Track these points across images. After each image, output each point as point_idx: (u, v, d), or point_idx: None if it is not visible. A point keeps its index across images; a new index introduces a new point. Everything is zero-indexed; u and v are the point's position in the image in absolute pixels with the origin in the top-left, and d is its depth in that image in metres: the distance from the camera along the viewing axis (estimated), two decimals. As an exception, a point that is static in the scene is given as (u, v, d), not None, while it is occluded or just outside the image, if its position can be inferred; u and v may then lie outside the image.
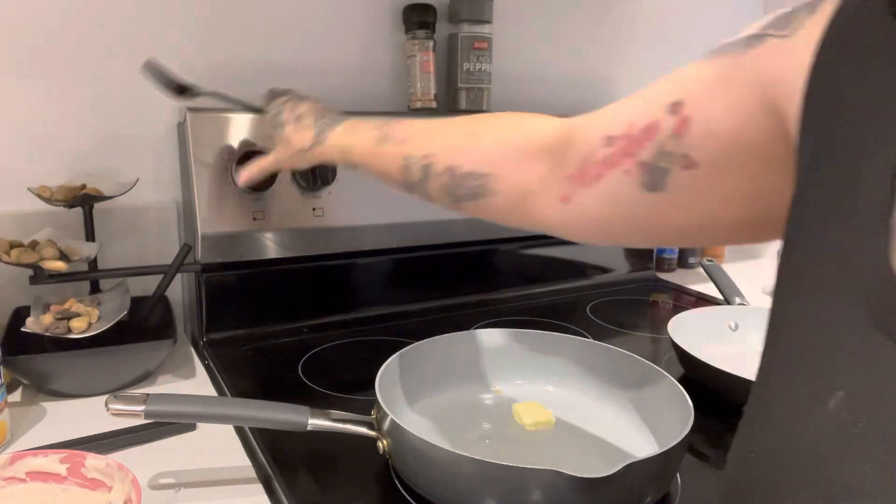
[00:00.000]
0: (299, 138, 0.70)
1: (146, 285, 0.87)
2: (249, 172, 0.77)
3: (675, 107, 0.40)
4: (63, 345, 0.71)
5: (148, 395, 0.54)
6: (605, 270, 1.20)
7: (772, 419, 0.30)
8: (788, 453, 0.26)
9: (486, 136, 0.56)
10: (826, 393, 0.25)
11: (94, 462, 0.52)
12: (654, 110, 0.41)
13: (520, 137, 0.54)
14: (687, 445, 0.55)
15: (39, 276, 0.74)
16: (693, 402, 0.59)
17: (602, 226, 0.47)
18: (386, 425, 0.55)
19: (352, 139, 0.65)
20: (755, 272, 1.38)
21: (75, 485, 0.52)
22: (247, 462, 0.61)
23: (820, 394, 0.26)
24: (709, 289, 1.15)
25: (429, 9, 1.00)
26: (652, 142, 0.41)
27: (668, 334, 0.79)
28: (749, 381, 0.68)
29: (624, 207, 0.44)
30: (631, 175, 0.42)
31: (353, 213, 0.91)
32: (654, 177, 0.41)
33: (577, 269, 1.17)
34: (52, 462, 0.52)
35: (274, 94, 0.76)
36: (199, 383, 0.78)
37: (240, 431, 0.66)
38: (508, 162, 0.54)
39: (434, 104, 1.02)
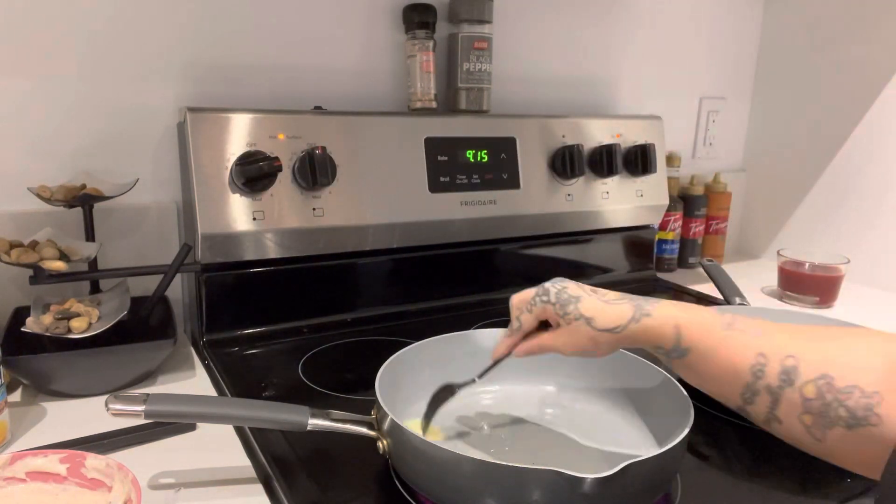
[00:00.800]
0: (616, 311, 0.56)
1: (146, 285, 0.87)
2: (528, 347, 0.62)
3: None
4: (63, 345, 0.71)
5: (148, 395, 0.54)
6: (605, 270, 1.20)
7: None
8: None
9: (862, 346, 0.46)
10: None
11: (94, 462, 0.52)
12: None
13: (892, 355, 0.45)
14: (687, 445, 0.55)
15: (39, 276, 0.74)
16: (693, 402, 0.59)
17: None
18: (386, 425, 0.55)
19: (688, 314, 0.53)
20: (755, 272, 1.38)
21: (75, 485, 0.52)
22: (247, 462, 0.61)
23: None
24: (709, 289, 1.15)
25: (429, 9, 1.00)
26: None
27: (668, 334, 0.79)
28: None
29: None
30: None
31: (353, 213, 0.91)
32: None
33: (577, 269, 1.17)
34: (52, 462, 0.52)
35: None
36: (199, 383, 0.78)
37: (240, 431, 0.66)
38: (891, 384, 0.43)
39: (434, 104, 1.02)
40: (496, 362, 0.63)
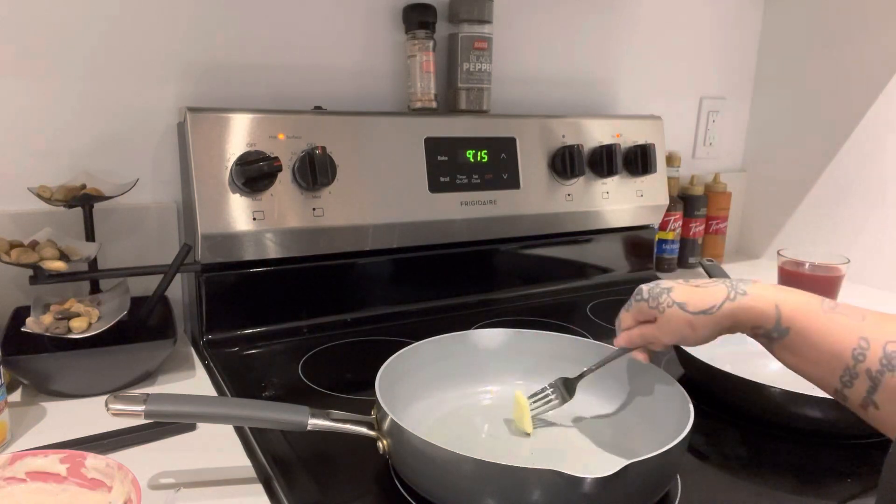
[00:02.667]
0: (710, 293, 0.57)
1: (146, 285, 0.87)
2: (629, 336, 0.64)
3: None
4: (63, 345, 0.71)
5: (148, 395, 0.54)
6: (605, 270, 1.20)
7: None
8: None
9: None
10: None
11: (94, 462, 0.52)
12: None
13: None
14: (687, 445, 0.55)
15: (39, 276, 0.74)
16: (693, 402, 0.59)
17: None
18: (386, 425, 0.55)
19: (787, 295, 0.53)
20: (755, 272, 1.38)
21: (75, 485, 0.52)
22: (247, 462, 0.61)
23: None
24: (709, 289, 1.15)
25: (429, 9, 1.00)
26: None
27: (668, 334, 0.79)
28: (748, 381, 0.68)
29: None
30: None
31: (353, 213, 0.91)
32: None
33: (577, 269, 1.17)
34: (53, 462, 0.52)
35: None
36: (199, 383, 0.78)
37: (240, 431, 0.66)
38: None
39: (434, 104, 1.02)
40: (607, 359, 0.67)
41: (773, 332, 0.53)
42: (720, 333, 0.57)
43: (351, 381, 0.78)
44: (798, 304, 0.52)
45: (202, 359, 0.84)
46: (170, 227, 0.93)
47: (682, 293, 0.58)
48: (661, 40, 1.33)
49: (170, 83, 0.90)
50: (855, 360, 0.47)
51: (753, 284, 0.55)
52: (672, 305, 0.59)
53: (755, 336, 0.55)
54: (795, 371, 0.53)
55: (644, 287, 0.62)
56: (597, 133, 1.11)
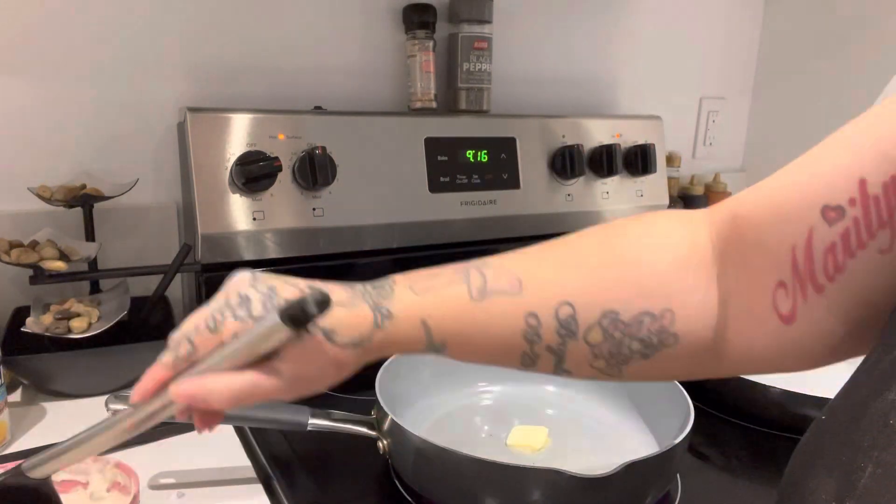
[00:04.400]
0: (355, 314, 0.40)
1: (146, 285, 0.87)
2: (231, 393, 0.39)
3: None
4: (63, 345, 0.71)
5: (148, 395, 0.54)
6: (605, 270, 1.20)
7: (850, 398, 0.29)
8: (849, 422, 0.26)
9: (635, 252, 0.40)
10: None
11: None
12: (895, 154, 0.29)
13: (680, 247, 0.40)
14: (687, 445, 0.55)
15: (39, 276, 0.74)
16: (693, 402, 0.59)
17: (846, 332, 0.34)
18: (386, 425, 0.55)
19: (429, 300, 0.41)
20: (755, 272, 1.38)
21: None
22: (247, 462, 0.61)
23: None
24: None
25: (429, 9, 1.00)
26: None
27: (668, 334, 0.79)
28: (748, 381, 0.68)
29: (880, 298, 0.31)
30: (892, 252, 0.30)
31: (353, 213, 0.91)
32: None
33: (577, 269, 1.16)
34: None
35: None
36: (199, 383, 0.78)
37: (240, 431, 0.66)
38: (685, 286, 0.39)
39: (434, 104, 1.02)
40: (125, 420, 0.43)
41: (429, 351, 0.42)
42: (359, 368, 0.43)
43: (351, 381, 0.78)
44: (445, 309, 0.41)
45: (202, 359, 0.84)
46: (170, 227, 0.93)
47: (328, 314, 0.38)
48: (660, 40, 1.33)
49: (170, 83, 0.90)
50: (529, 343, 0.40)
51: (394, 298, 0.41)
52: (315, 332, 0.39)
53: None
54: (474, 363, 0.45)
55: (252, 294, 0.40)
56: (597, 133, 1.11)
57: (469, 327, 0.41)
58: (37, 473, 0.43)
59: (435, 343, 0.42)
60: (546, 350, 0.40)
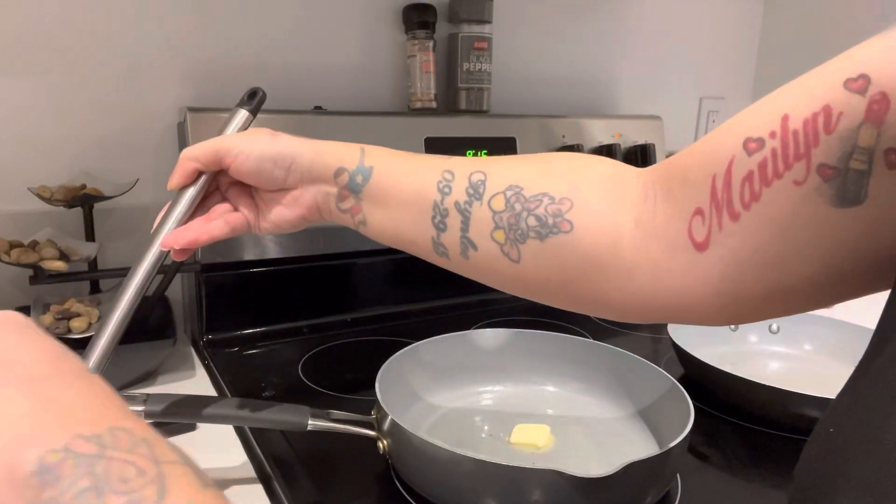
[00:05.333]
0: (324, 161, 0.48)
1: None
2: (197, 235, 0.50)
3: (859, 83, 0.28)
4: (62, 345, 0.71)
5: (148, 395, 0.54)
6: (605, 270, 1.20)
7: (862, 409, 0.28)
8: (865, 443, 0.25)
9: (557, 161, 0.44)
10: None
11: None
12: (821, 94, 0.30)
13: (604, 168, 0.42)
14: (687, 445, 0.55)
15: (39, 276, 0.74)
16: (693, 402, 0.59)
17: (759, 270, 0.33)
18: (386, 425, 0.55)
19: (371, 152, 0.48)
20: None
21: None
22: (247, 462, 0.61)
23: None
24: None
25: (429, 9, 1.00)
26: (830, 135, 0.29)
27: (668, 334, 0.79)
28: (748, 381, 0.68)
29: (795, 234, 0.31)
30: (806, 185, 0.30)
31: (353, 213, 0.91)
32: (844, 184, 0.29)
33: (577, 269, 1.16)
34: None
35: None
36: (199, 383, 0.78)
37: (240, 431, 0.66)
38: (593, 190, 0.40)
39: (434, 104, 1.02)
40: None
41: (356, 175, 0.46)
42: (299, 185, 0.48)
43: (351, 381, 0.78)
44: (382, 149, 0.48)
45: (202, 359, 0.84)
46: (170, 227, 0.93)
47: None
48: (661, 40, 1.33)
49: (170, 83, 0.90)
50: (441, 193, 0.43)
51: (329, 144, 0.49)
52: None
53: (340, 195, 0.47)
54: (388, 235, 0.48)
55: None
56: (597, 133, 1.11)
57: (397, 161, 0.47)
58: (97, 369, 0.46)
59: (365, 165, 0.46)
60: (454, 207, 0.43)
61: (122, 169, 0.89)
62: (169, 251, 0.49)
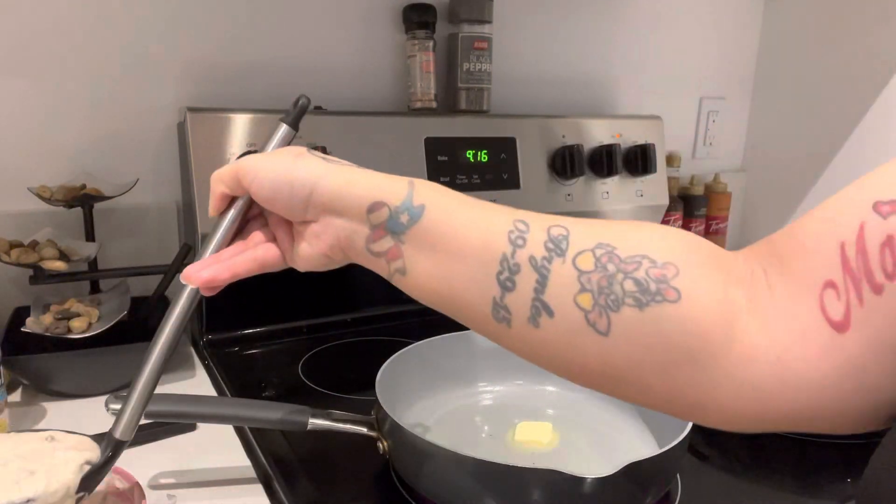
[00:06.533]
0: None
1: (146, 285, 0.87)
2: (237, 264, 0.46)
3: None
4: (63, 345, 0.71)
5: (148, 395, 0.54)
6: (605, 270, 1.20)
7: None
8: None
9: (646, 224, 0.36)
10: None
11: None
12: None
13: (702, 241, 0.35)
14: (687, 445, 0.55)
15: (39, 276, 0.74)
16: (693, 402, 0.59)
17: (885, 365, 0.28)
18: (386, 425, 0.55)
19: (422, 188, 0.39)
20: (755, 272, 1.38)
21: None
22: (247, 462, 0.61)
23: None
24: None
25: (429, 9, 1.00)
26: None
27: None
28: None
29: None
30: None
31: (353, 213, 0.91)
32: None
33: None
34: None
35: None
36: (199, 383, 0.78)
37: (240, 431, 0.66)
38: (697, 257, 0.34)
39: (434, 104, 1.02)
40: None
41: (400, 214, 0.38)
42: (321, 217, 0.42)
43: (351, 381, 0.78)
44: (433, 185, 0.40)
45: (202, 359, 0.84)
46: (170, 227, 0.93)
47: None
48: (660, 40, 1.33)
49: (170, 83, 0.90)
50: (513, 245, 0.35)
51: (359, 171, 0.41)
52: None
53: (373, 235, 0.40)
54: (434, 289, 0.39)
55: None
56: (597, 133, 1.11)
57: (453, 203, 0.38)
58: (128, 433, 0.44)
59: (413, 204, 0.38)
60: (528, 262, 0.35)
61: (122, 169, 0.89)
62: (199, 294, 0.45)
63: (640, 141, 1.15)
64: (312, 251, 0.44)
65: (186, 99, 0.91)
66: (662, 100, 1.36)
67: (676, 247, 0.34)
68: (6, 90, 0.82)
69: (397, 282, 0.41)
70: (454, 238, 0.37)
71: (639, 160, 1.13)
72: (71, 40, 0.84)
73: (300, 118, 0.47)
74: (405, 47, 1.03)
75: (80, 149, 0.87)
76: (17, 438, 0.45)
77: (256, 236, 0.45)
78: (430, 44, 1.00)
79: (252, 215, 0.46)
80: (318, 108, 0.94)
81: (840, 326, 0.29)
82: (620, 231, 0.35)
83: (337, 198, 0.40)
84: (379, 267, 0.42)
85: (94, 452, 0.44)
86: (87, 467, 0.43)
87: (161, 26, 0.88)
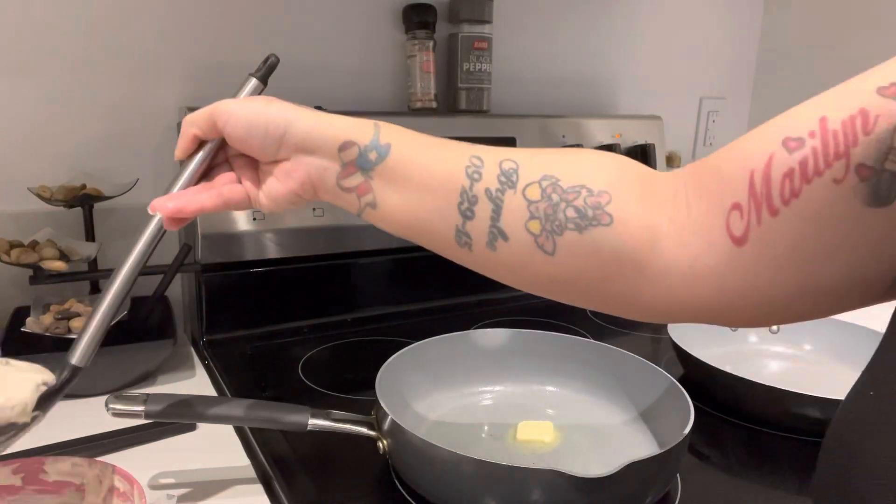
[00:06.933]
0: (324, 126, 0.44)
1: (146, 285, 0.87)
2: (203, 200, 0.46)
3: (891, 90, 0.31)
4: (63, 345, 0.71)
5: (148, 395, 0.54)
6: (605, 270, 1.20)
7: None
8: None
9: (586, 155, 0.42)
10: None
11: (55, 466, 0.49)
12: (857, 99, 0.32)
13: (632, 166, 0.41)
14: (687, 445, 0.55)
15: (39, 276, 0.74)
16: (693, 402, 0.59)
17: (795, 266, 0.33)
18: (386, 425, 0.55)
19: (387, 129, 0.44)
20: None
21: (33, 492, 0.49)
22: (247, 462, 0.61)
23: None
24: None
25: (429, 9, 1.00)
26: (868, 136, 0.30)
27: (668, 334, 0.79)
28: (748, 381, 0.68)
29: (829, 232, 0.32)
30: (844, 183, 0.31)
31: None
32: (878, 184, 0.30)
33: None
34: (4, 476, 0.49)
35: None
36: (199, 383, 0.78)
37: (240, 431, 0.66)
38: (629, 186, 0.39)
39: (434, 104, 1.02)
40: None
41: (369, 152, 0.42)
42: (292, 155, 0.44)
43: (351, 381, 0.78)
44: (397, 127, 0.44)
45: (202, 359, 0.84)
46: (170, 227, 0.93)
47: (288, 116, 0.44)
48: (661, 40, 1.33)
49: (170, 83, 0.90)
50: (470, 179, 0.40)
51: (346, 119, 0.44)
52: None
53: (344, 172, 0.43)
54: (401, 220, 0.43)
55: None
56: (597, 133, 1.11)
57: (416, 141, 0.43)
58: (85, 360, 0.45)
59: (381, 143, 0.42)
60: (485, 194, 0.40)
61: (122, 169, 0.89)
62: (164, 227, 0.46)
63: (640, 141, 1.15)
64: (282, 188, 0.45)
65: (186, 99, 0.91)
66: (662, 100, 1.36)
67: (612, 174, 0.40)
68: (6, 90, 0.82)
69: (368, 215, 0.44)
70: (418, 173, 0.42)
71: (639, 160, 1.12)
72: (71, 40, 0.84)
73: (269, 74, 0.51)
74: (405, 47, 1.03)
75: (80, 149, 0.87)
76: None
77: (222, 178, 0.47)
78: (430, 44, 1.00)
79: (216, 163, 0.48)
80: (318, 108, 0.94)
81: (739, 241, 0.34)
82: (563, 162, 0.40)
83: (309, 137, 0.43)
84: (349, 202, 0.45)
85: (49, 375, 0.45)
86: (44, 388, 0.43)
87: (161, 26, 0.88)
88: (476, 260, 0.42)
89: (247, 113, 0.44)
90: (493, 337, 0.74)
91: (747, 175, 0.34)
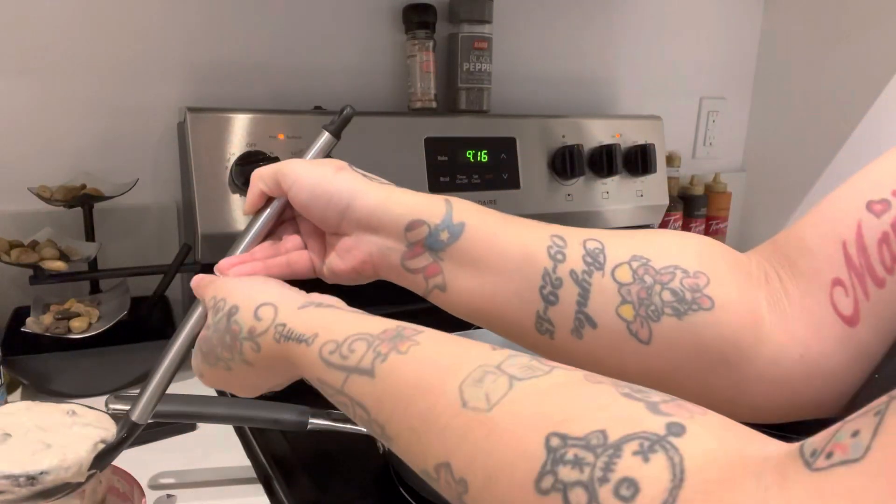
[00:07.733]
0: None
1: (146, 285, 0.87)
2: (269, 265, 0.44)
3: None
4: (63, 345, 0.71)
5: (148, 395, 0.54)
6: (605, 270, 1.20)
7: None
8: None
9: (668, 234, 0.38)
10: None
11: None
12: None
13: (717, 244, 0.37)
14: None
15: (39, 276, 0.74)
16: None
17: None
18: (386, 425, 0.55)
19: (460, 206, 0.41)
20: (755, 272, 1.38)
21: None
22: (247, 462, 0.61)
23: None
24: (709, 289, 1.15)
25: (429, 9, 1.00)
26: None
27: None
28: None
29: None
30: None
31: (353, 213, 0.91)
32: None
33: (577, 269, 1.16)
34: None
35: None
36: (199, 383, 0.77)
37: (240, 431, 0.66)
38: (724, 265, 0.36)
39: (434, 104, 1.02)
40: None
41: (440, 232, 0.39)
42: (354, 232, 0.41)
43: (351, 381, 0.78)
44: (470, 203, 0.40)
45: (202, 359, 0.84)
46: (170, 227, 0.93)
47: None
48: (661, 40, 1.33)
49: (170, 83, 0.90)
50: (553, 259, 0.37)
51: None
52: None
53: (410, 252, 0.40)
54: (475, 304, 0.41)
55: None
56: (597, 133, 1.11)
57: (492, 218, 0.39)
58: (145, 417, 0.44)
59: (453, 221, 0.39)
60: (569, 276, 0.36)
61: (122, 169, 0.89)
62: None
63: (640, 141, 1.15)
64: (343, 265, 0.43)
65: (186, 99, 0.91)
66: (662, 100, 1.36)
67: (703, 254, 0.36)
68: (6, 90, 0.82)
69: (435, 297, 0.42)
70: (495, 254, 0.38)
71: (639, 160, 1.13)
72: (71, 40, 0.84)
73: (343, 127, 0.47)
74: (405, 47, 1.03)
75: (80, 149, 0.87)
76: (40, 409, 0.46)
77: (289, 241, 0.45)
78: (430, 44, 1.00)
79: (285, 219, 0.46)
80: (317, 108, 0.94)
81: (851, 320, 0.31)
82: (648, 240, 0.37)
83: (373, 215, 0.40)
84: (415, 283, 0.42)
85: (109, 431, 0.45)
86: (102, 446, 0.43)
87: (161, 26, 0.88)
88: (559, 347, 0.38)
89: (311, 179, 0.41)
90: (493, 337, 0.74)
91: (839, 247, 0.31)
